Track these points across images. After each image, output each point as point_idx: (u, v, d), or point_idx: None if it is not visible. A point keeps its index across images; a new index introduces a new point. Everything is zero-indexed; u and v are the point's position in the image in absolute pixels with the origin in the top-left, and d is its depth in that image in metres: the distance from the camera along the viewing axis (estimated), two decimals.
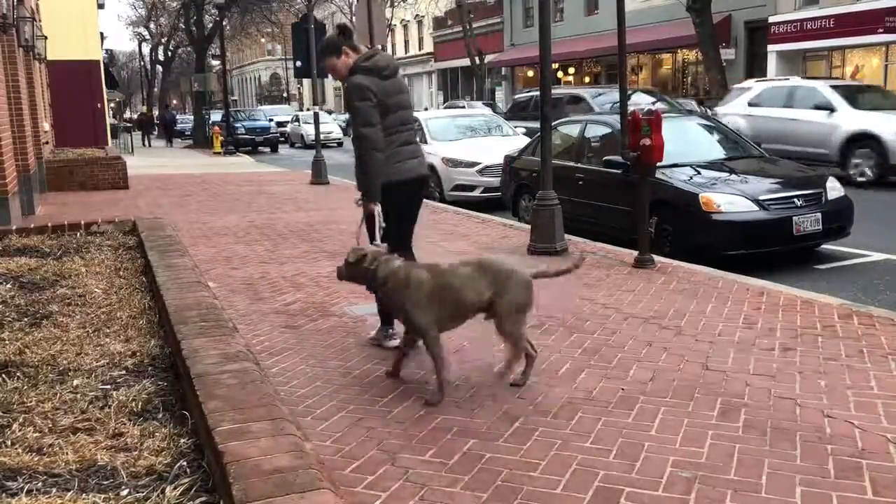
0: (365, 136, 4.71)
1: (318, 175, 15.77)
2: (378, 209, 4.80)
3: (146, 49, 56.09)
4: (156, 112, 52.93)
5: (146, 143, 40.12)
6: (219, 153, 28.08)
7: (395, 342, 4.86)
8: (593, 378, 4.36)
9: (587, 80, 37.75)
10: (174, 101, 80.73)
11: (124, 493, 2.32)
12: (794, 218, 7.52)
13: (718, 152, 9.07)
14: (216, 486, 2.33)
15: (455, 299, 4.14)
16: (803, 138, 13.83)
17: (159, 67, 55.10)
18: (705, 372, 4.41)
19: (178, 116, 50.89)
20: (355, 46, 4.91)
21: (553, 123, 8.49)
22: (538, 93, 8.58)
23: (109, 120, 27.70)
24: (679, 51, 31.11)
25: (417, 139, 5.24)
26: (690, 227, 7.72)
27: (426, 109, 40.78)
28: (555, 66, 29.90)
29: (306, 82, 56.18)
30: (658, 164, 7.23)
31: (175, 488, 2.32)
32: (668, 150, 7.27)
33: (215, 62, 47.64)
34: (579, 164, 9.39)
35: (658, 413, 3.86)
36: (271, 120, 35.17)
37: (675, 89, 31.68)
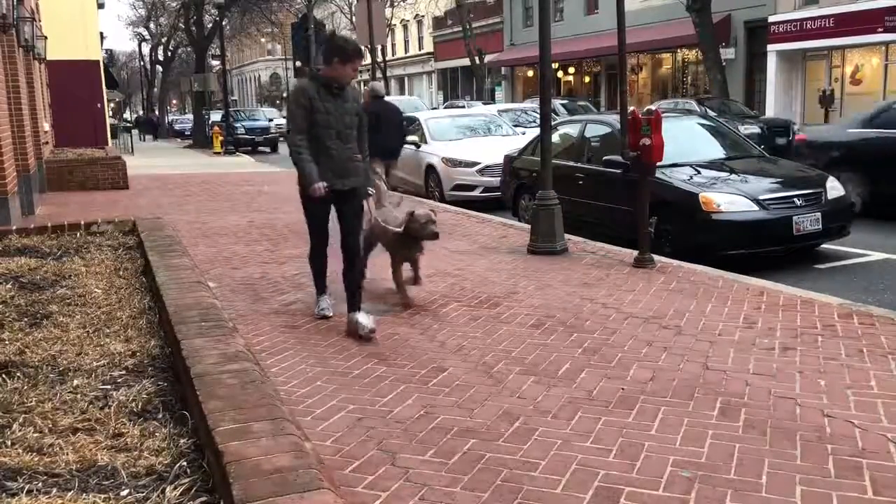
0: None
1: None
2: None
3: (146, 49, 56.12)
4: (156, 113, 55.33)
5: (143, 139, 45.96)
6: (219, 153, 28.08)
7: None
8: (593, 378, 4.37)
9: (587, 79, 37.78)
10: (174, 101, 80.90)
11: (124, 493, 2.32)
12: (793, 217, 7.51)
13: (718, 152, 9.06)
14: (216, 486, 2.33)
15: None
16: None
17: (159, 67, 55.10)
18: (705, 372, 4.41)
19: (177, 117, 58.17)
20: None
21: (553, 123, 8.49)
22: None
23: (109, 120, 27.69)
24: (679, 51, 31.09)
25: None
26: (690, 227, 7.72)
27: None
28: (555, 65, 29.95)
29: None
30: (658, 163, 7.23)
31: (175, 488, 2.32)
32: (668, 150, 7.27)
33: (215, 62, 47.63)
34: (579, 164, 9.39)
35: (658, 413, 3.86)
36: (271, 120, 35.13)
37: (675, 89, 31.69)
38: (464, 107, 26.09)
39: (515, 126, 16.35)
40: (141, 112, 61.95)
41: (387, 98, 11.31)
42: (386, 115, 10.44)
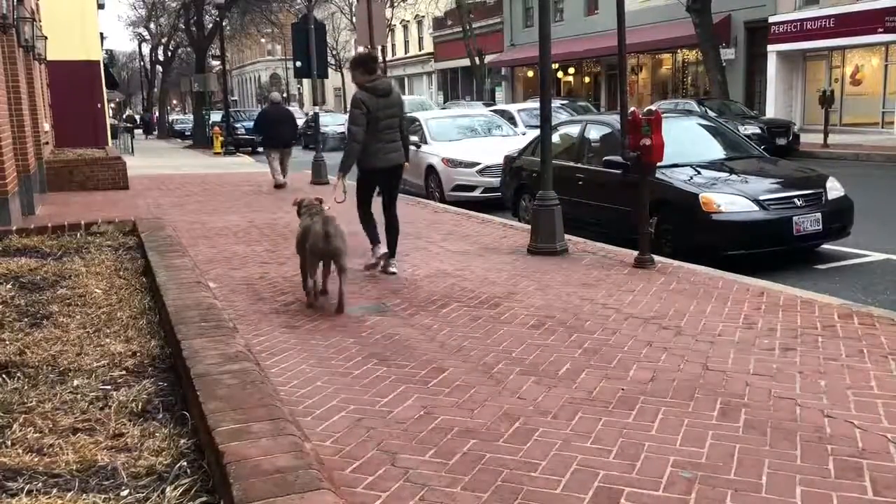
0: (351, 131, 6.88)
1: (318, 175, 15.78)
2: (342, 183, 6.84)
3: (146, 49, 56.13)
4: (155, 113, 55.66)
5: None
6: (219, 153, 28.07)
7: (383, 250, 7.19)
8: (593, 378, 4.37)
9: (587, 80, 37.77)
10: (174, 102, 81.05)
11: (124, 493, 2.32)
12: (794, 218, 7.51)
13: (718, 152, 9.07)
14: (216, 486, 2.33)
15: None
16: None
17: (159, 67, 55.10)
18: (705, 372, 4.41)
19: (178, 117, 58.71)
20: (372, 70, 6.93)
21: (553, 124, 8.49)
22: None
23: (110, 120, 27.67)
24: (679, 51, 31.09)
25: (398, 137, 7.09)
26: (690, 227, 7.72)
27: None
28: (555, 66, 29.92)
29: (306, 82, 56.20)
30: (658, 164, 7.23)
31: (175, 489, 2.32)
32: (669, 150, 7.27)
33: (215, 62, 47.58)
34: (579, 164, 9.39)
35: (658, 413, 3.86)
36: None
37: (675, 90, 31.68)
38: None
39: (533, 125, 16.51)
40: (131, 112, 62.96)
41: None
42: (280, 116, 15.49)
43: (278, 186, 15.15)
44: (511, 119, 17.49)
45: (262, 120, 15.96)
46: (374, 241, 7.34)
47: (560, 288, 6.47)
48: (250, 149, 31.19)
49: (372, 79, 6.86)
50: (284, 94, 76.16)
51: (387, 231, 7.27)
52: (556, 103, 21.42)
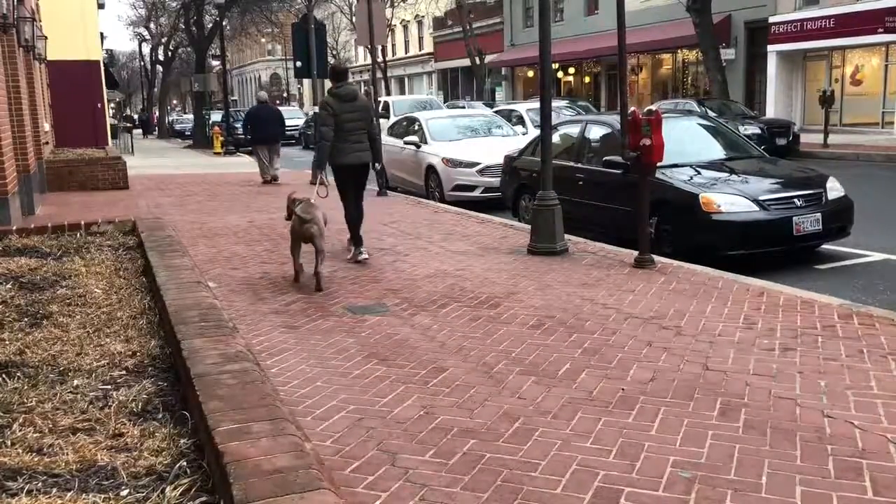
0: (321, 132, 7.71)
1: None
2: (321, 177, 7.56)
3: (146, 49, 56.12)
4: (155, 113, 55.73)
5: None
6: (219, 153, 28.06)
7: (364, 256, 7.83)
8: (593, 378, 4.37)
9: (587, 80, 37.76)
10: (174, 101, 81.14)
11: (124, 493, 2.32)
12: (794, 218, 7.51)
13: (718, 152, 9.06)
14: (216, 486, 2.33)
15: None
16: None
17: (159, 67, 55.11)
18: (705, 372, 4.41)
19: (178, 117, 59.50)
20: (341, 79, 7.99)
21: (553, 124, 8.49)
22: None
23: (110, 120, 27.66)
24: (679, 51, 31.07)
25: (365, 139, 7.84)
26: (690, 227, 7.72)
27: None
28: (555, 66, 29.91)
29: (306, 82, 56.13)
30: (658, 164, 7.22)
31: (175, 488, 2.32)
32: (668, 150, 7.27)
33: (215, 62, 47.58)
34: (579, 164, 9.39)
35: (658, 413, 3.86)
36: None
37: (675, 90, 31.67)
38: (463, 107, 25.93)
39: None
40: (128, 112, 63.62)
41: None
42: (267, 115, 16.37)
43: (266, 182, 16.06)
44: (520, 119, 17.45)
45: (251, 119, 16.79)
46: (358, 243, 8.02)
47: (560, 288, 6.47)
48: (250, 148, 31.19)
49: (338, 85, 7.88)
50: (284, 94, 76.56)
51: (351, 220, 7.97)
52: (561, 103, 21.47)
